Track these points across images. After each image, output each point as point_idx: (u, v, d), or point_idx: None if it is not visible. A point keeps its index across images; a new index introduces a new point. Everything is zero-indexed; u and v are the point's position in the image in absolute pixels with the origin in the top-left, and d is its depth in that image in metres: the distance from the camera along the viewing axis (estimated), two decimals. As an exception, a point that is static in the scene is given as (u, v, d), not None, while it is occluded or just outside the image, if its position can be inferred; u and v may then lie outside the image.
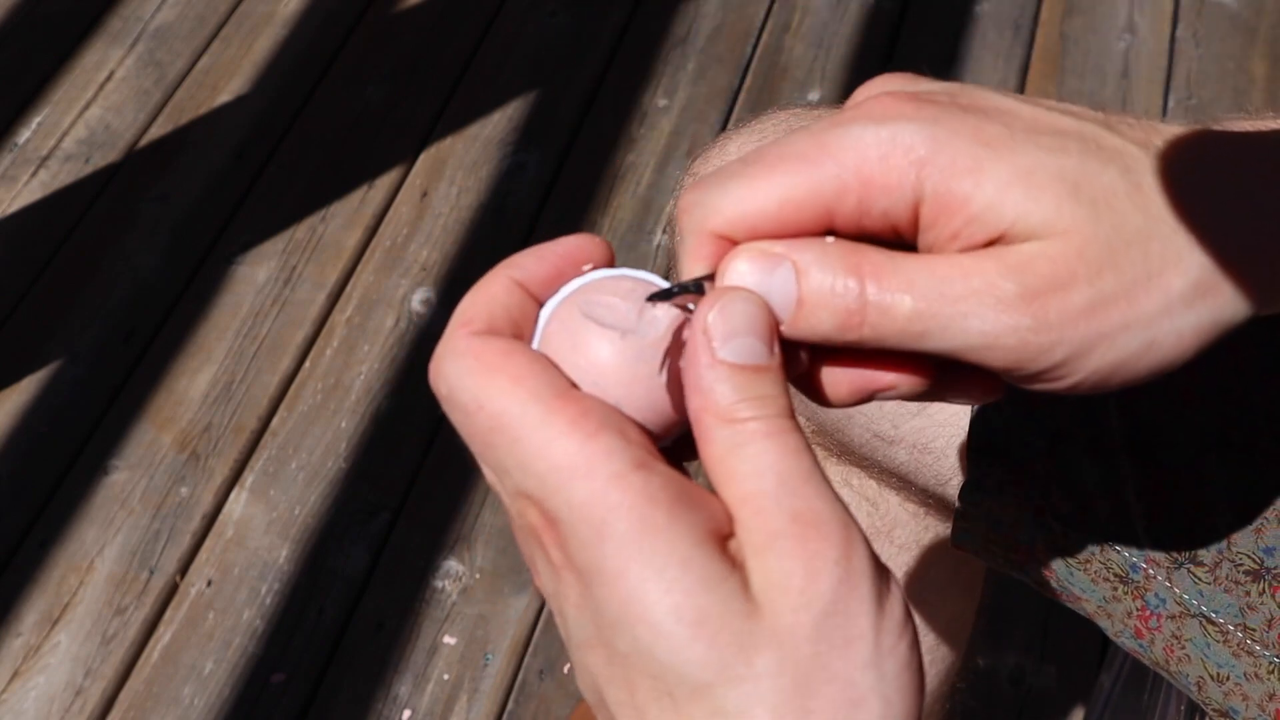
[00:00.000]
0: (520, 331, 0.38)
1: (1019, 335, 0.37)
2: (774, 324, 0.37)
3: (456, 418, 0.37)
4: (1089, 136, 0.39)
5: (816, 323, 0.38)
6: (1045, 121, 0.38)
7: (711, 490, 0.37)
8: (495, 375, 0.36)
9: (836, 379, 0.40)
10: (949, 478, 0.68)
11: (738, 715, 0.33)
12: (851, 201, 0.38)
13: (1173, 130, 0.40)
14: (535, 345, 0.38)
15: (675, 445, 0.40)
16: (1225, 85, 1.78)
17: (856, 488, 0.82)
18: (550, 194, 1.69)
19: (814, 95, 1.78)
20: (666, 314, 0.38)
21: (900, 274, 0.37)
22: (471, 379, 0.36)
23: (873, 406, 0.69)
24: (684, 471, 0.38)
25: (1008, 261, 0.37)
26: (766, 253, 0.38)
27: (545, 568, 0.37)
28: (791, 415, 0.36)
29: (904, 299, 0.37)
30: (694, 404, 0.36)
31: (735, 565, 0.35)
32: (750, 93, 1.79)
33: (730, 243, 0.39)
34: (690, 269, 0.39)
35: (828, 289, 0.37)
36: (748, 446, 0.35)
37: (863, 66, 1.81)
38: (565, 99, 1.79)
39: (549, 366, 0.37)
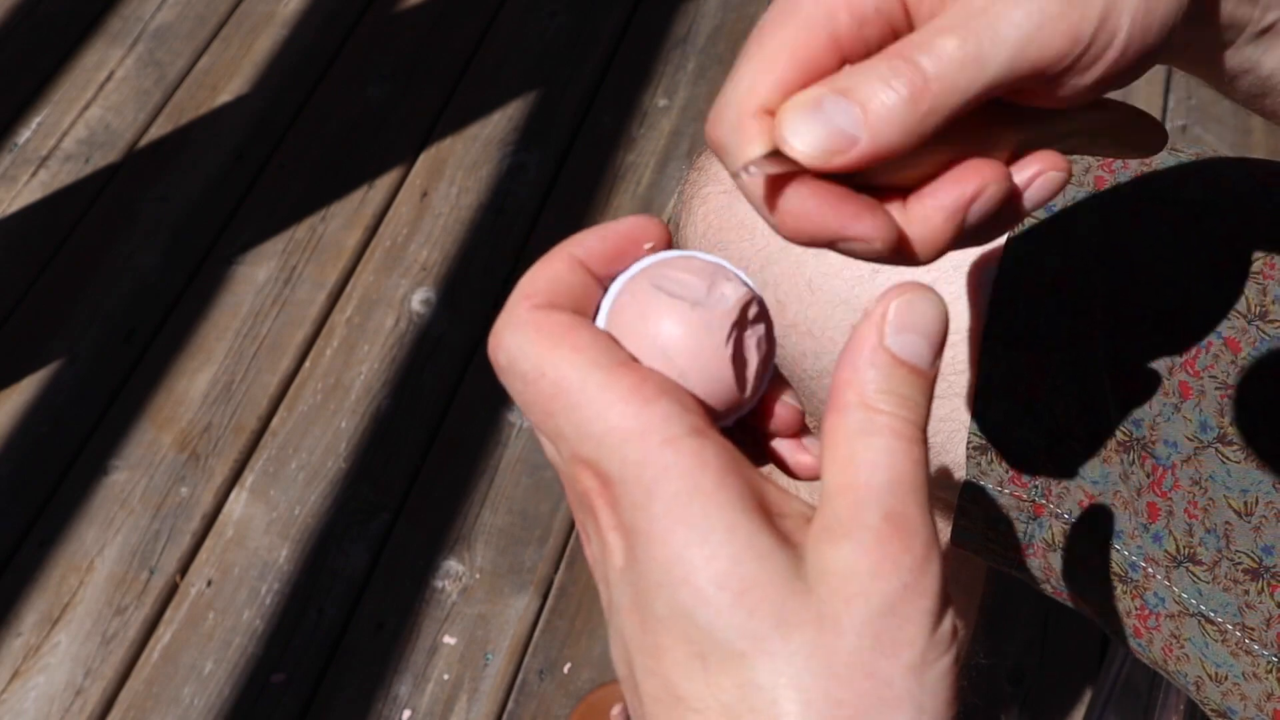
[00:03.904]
0: (581, 307, 0.39)
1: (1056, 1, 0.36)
2: (945, 335, 0.37)
3: (515, 386, 0.37)
4: None
5: (889, 116, 0.36)
6: None
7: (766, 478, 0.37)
8: (558, 345, 0.36)
9: (929, 213, 0.39)
10: (949, 475, 0.68)
11: (766, 689, 0.33)
12: (844, 16, 0.38)
13: None
14: (603, 318, 0.39)
15: (736, 438, 0.40)
16: (1225, 85, 1.79)
17: None
18: (550, 194, 1.69)
19: (814, 95, 1.78)
20: (735, 290, 0.38)
21: (924, 32, 0.37)
22: (534, 348, 0.37)
23: None
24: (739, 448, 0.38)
25: None
26: (805, 97, 0.37)
27: (595, 534, 0.37)
28: (924, 428, 0.36)
29: (945, 40, 0.36)
30: (842, 376, 0.36)
31: (786, 542, 0.35)
32: (750, 93, 1.79)
33: (771, 114, 0.38)
34: (746, 151, 0.38)
35: (876, 78, 0.36)
36: (875, 438, 0.35)
37: (863, 66, 1.81)
38: (565, 99, 1.79)
39: (609, 339, 0.37)
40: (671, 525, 0.34)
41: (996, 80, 0.37)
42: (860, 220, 0.37)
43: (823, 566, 0.34)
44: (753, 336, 0.39)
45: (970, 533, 0.67)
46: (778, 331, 0.70)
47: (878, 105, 0.36)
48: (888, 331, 0.36)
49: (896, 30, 0.38)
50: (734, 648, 0.33)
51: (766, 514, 0.35)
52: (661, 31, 1.85)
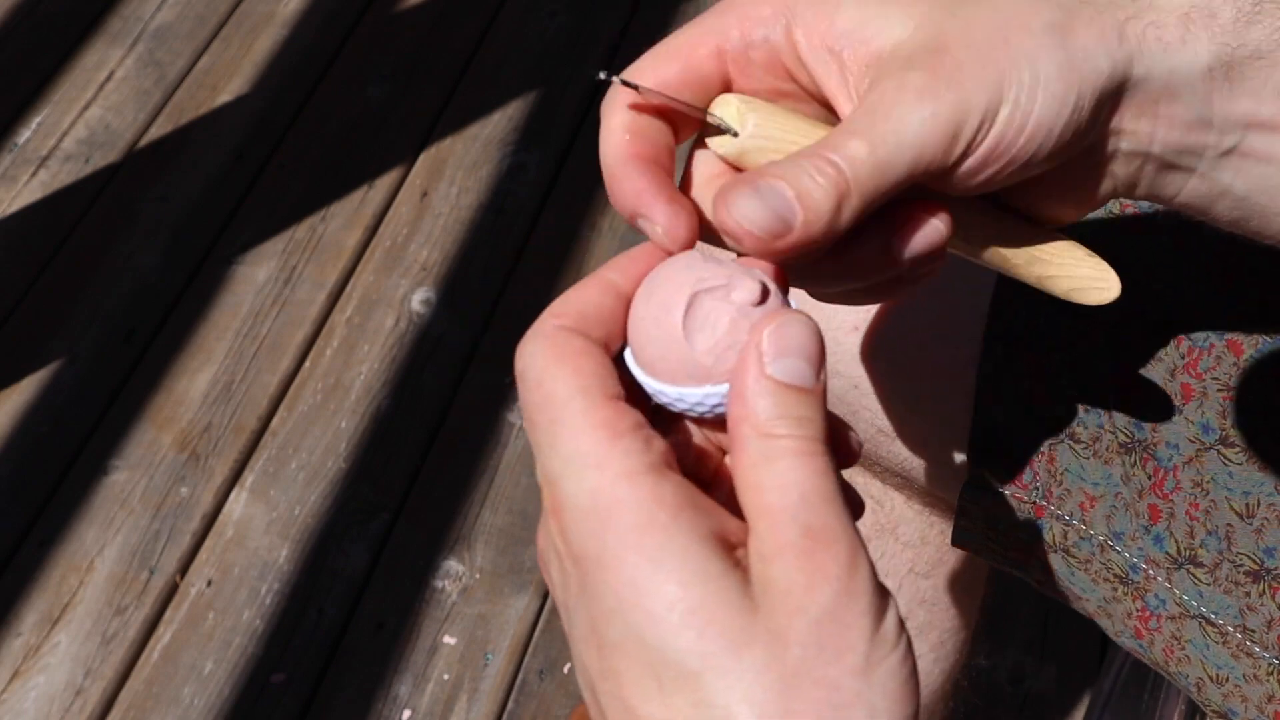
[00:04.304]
0: (608, 331, 0.41)
1: (942, 101, 0.41)
2: (823, 350, 0.39)
3: (521, 390, 0.40)
4: None
5: (818, 206, 0.41)
6: None
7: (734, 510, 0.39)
8: (562, 363, 0.39)
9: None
10: (950, 477, 0.68)
11: (720, 706, 0.34)
12: (734, 38, 0.44)
13: None
14: (632, 316, 0.41)
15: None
16: (1225, 85, 1.79)
17: (861, 486, 0.82)
18: (550, 194, 1.69)
19: (814, 95, 1.78)
20: (702, 270, 0.40)
21: (838, 132, 0.42)
22: (542, 360, 0.40)
23: (879, 402, 0.69)
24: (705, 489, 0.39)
25: (895, 65, 0.42)
26: (744, 180, 0.41)
27: (554, 558, 0.39)
28: (825, 439, 0.38)
29: (855, 143, 0.41)
30: (734, 412, 0.38)
31: (738, 567, 0.36)
32: (750, 93, 1.79)
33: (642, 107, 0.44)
34: (609, 138, 0.43)
35: (808, 177, 0.41)
36: (778, 462, 0.37)
37: (863, 66, 1.81)
38: (565, 99, 1.79)
39: (611, 374, 0.39)
40: (624, 553, 0.36)
41: (902, 180, 0.41)
42: (655, 205, 0.42)
43: (764, 586, 0.35)
44: (722, 312, 0.40)
45: (971, 533, 0.67)
46: None
47: (806, 192, 0.41)
48: (766, 360, 0.38)
49: (781, 62, 0.44)
50: (687, 667, 0.35)
51: (724, 543, 0.36)
52: (661, 31, 1.85)
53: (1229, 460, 0.59)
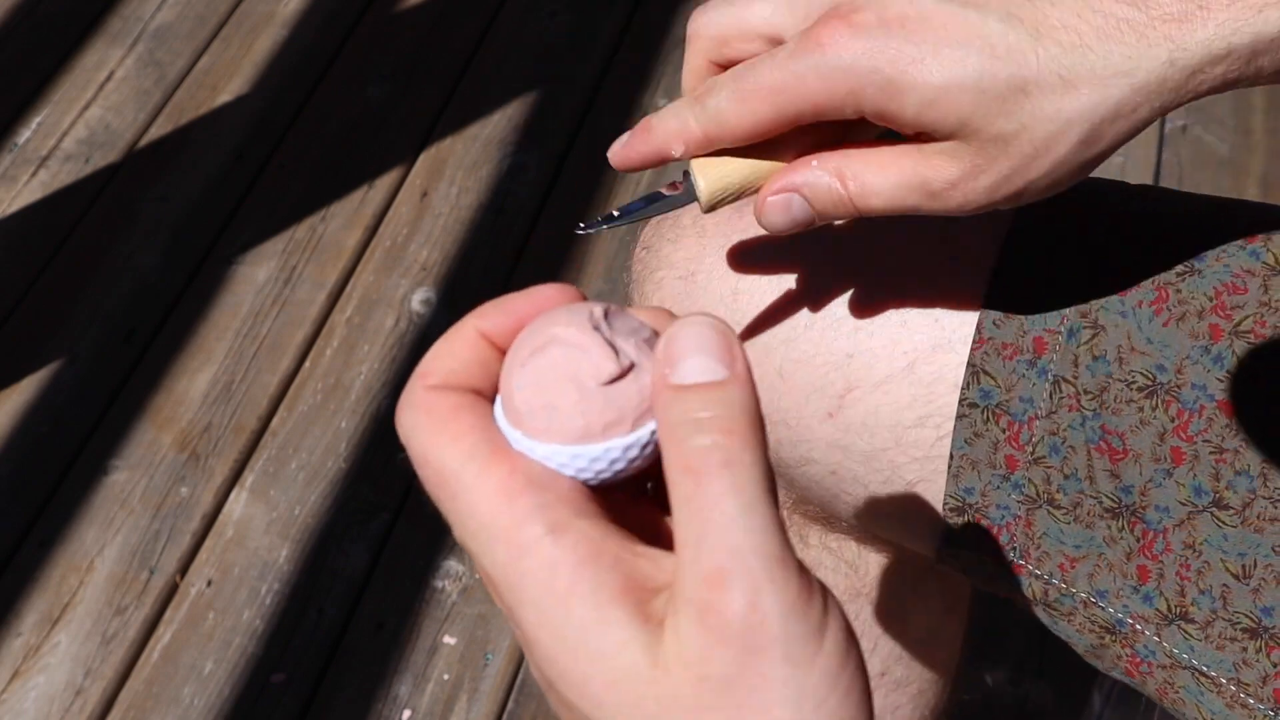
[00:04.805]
0: (480, 383, 0.38)
1: (947, 207, 0.52)
2: (730, 342, 0.36)
3: (413, 464, 0.38)
4: (987, 38, 0.48)
5: (827, 218, 0.54)
6: (953, 29, 0.48)
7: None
8: (440, 431, 0.37)
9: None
10: (930, 542, 0.67)
11: None
12: (808, 118, 0.51)
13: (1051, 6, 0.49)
14: (503, 375, 0.38)
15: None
16: (1225, 85, 1.78)
17: (835, 550, 0.80)
18: (550, 194, 1.69)
19: (814, 95, 1.78)
20: (630, 335, 0.37)
21: (870, 173, 0.52)
22: (421, 432, 0.37)
23: (859, 487, 0.68)
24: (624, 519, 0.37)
25: (933, 163, 0.51)
26: (781, 188, 0.53)
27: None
28: (751, 437, 0.35)
29: (874, 201, 0.52)
30: (659, 433, 0.36)
31: (649, 623, 0.34)
32: (750, 93, 1.79)
33: (710, 141, 0.53)
34: (675, 133, 0.54)
35: (829, 202, 0.53)
36: (685, 484, 0.34)
37: (863, 66, 1.81)
38: (565, 99, 1.79)
39: (488, 425, 0.37)
40: (536, 631, 0.35)
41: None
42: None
43: (673, 648, 0.34)
44: (586, 375, 0.36)
45: (953, 570, 0.66)
46: None
47: (824, 214, 0.53)
48: (667, 372, 0.35)
49: (847, 121, 0.52)
50: None
51: (635, 594, 0.34)
52: (661, 31, 1.85)
53: (1223, 523, 0.58)
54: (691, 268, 0.70)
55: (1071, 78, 0.48)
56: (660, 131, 0.54)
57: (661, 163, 0.55)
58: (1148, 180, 1.73)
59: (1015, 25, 0.48)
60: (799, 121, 0.51)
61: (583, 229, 0.56)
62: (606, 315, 0.37)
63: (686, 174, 0.55)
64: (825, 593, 0.34)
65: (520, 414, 0.37)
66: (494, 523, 0.35)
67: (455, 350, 0.38)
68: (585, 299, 0.39)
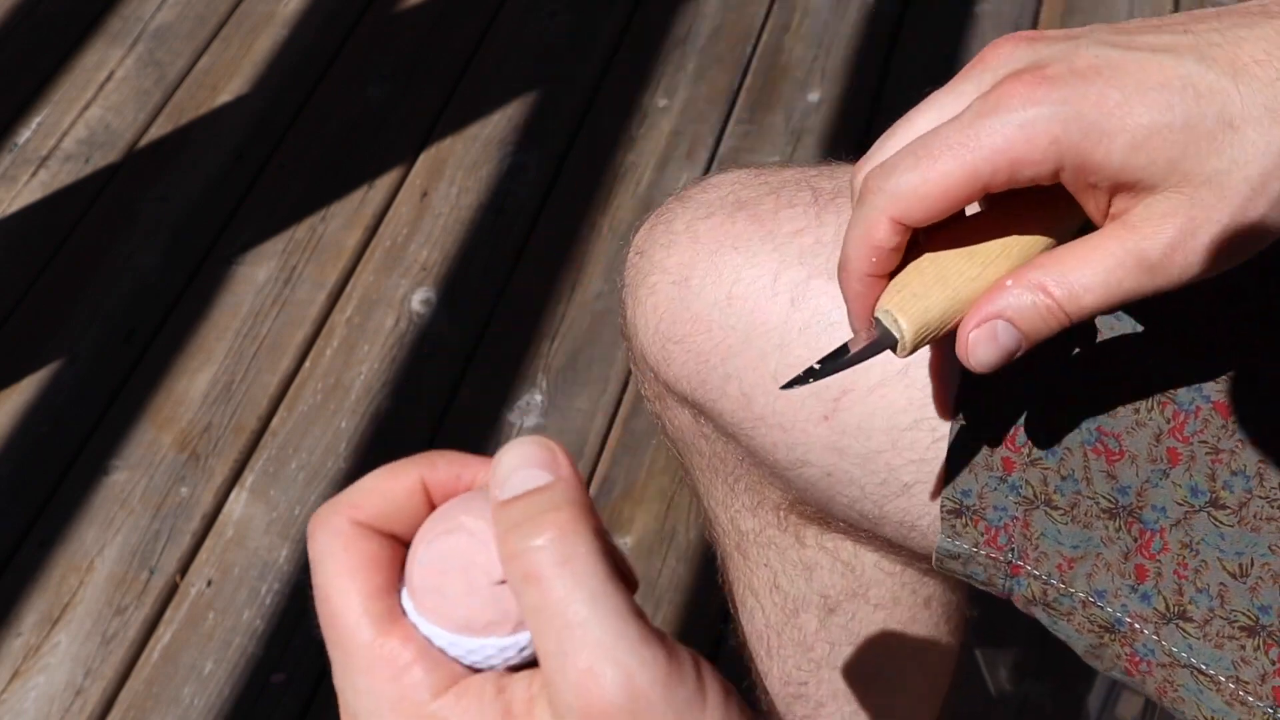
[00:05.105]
0: (404, 533, 0.39)
1: (1170, 283, 0.49)
2: (552, 454, 0.37)
3: (312, 578, 0.38)
4: (1188, 81, 0.47)
5: (1039, 337, 0.50)
6: (1151, 72, 0.47)
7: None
8: (348, 579, 0.37)
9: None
10: (927, 542, 0.67)
11: None
12: (1002, 177, 0.48)
13: (1249, 28, 0.48)
14: (413, 542, 0.39)
15: None
16: (1225, 85, 1.78)
17: (831, 550, 0.80)
18: (550, 194, 1.69)
19: (814, 95, 1.78)
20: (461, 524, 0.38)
21: (1072, 273, 0.49)
22: (329, 566, 0.37)
23: (855, 489, 0.68)
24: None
25: (1143, 231, 0.48)
26: (981, 317, 0.50)
27: None
28: (582, 529, 0.35)
29: (1087, 298, 0.49)
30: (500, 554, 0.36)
31: None
32: (750, 93, 1.79)
33: (900, 225, 0.49)
34: (868, 236, 0.50)
35: (1038, 320, 0.50)
36: (529, 593, 0.35)
37: (863, 66, 1.81)
38: (565, 99, 1.79)
39: (393, 590, 0.37)
40: None
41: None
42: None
43: None
44: (462, 559, 0.37)
45: (951, 571, 0.66)
46: (747, 425, 0.69)
47: (1033, 331, 0.50)
48: (496, 493, 0.36)
49: (1039, 184, 0.49)
50: None
51: None
52: (661, 31, 1.85)
53: (1220, 522, 0.58)
54: (685, 273, 0.69)
55: (1277, 109, 0.47)
56: (851, 256, 0.51)
57: (874, 289, 0.52)
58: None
59: (1211, 65, 0.47)
60: (992, 186, 0.48)
61: (786, 386, 0.53)
62: None
63: (877, 319, 0.51)
64: (695, 657, 0.35)
65: (415, 588, 0.37)
66: (383, 691, 0.36)
67: (393, 494, 0.39)
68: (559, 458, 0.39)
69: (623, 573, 0.36)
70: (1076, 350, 0.61)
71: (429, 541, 0.38)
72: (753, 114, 1.77)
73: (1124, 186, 0.48)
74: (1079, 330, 0.61)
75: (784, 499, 0.77)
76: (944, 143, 0.48)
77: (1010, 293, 0.49)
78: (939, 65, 1.81)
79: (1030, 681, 1.31)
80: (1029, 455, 0.62)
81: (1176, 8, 1.87)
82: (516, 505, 0.36)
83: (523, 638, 0.37)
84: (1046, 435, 0.61)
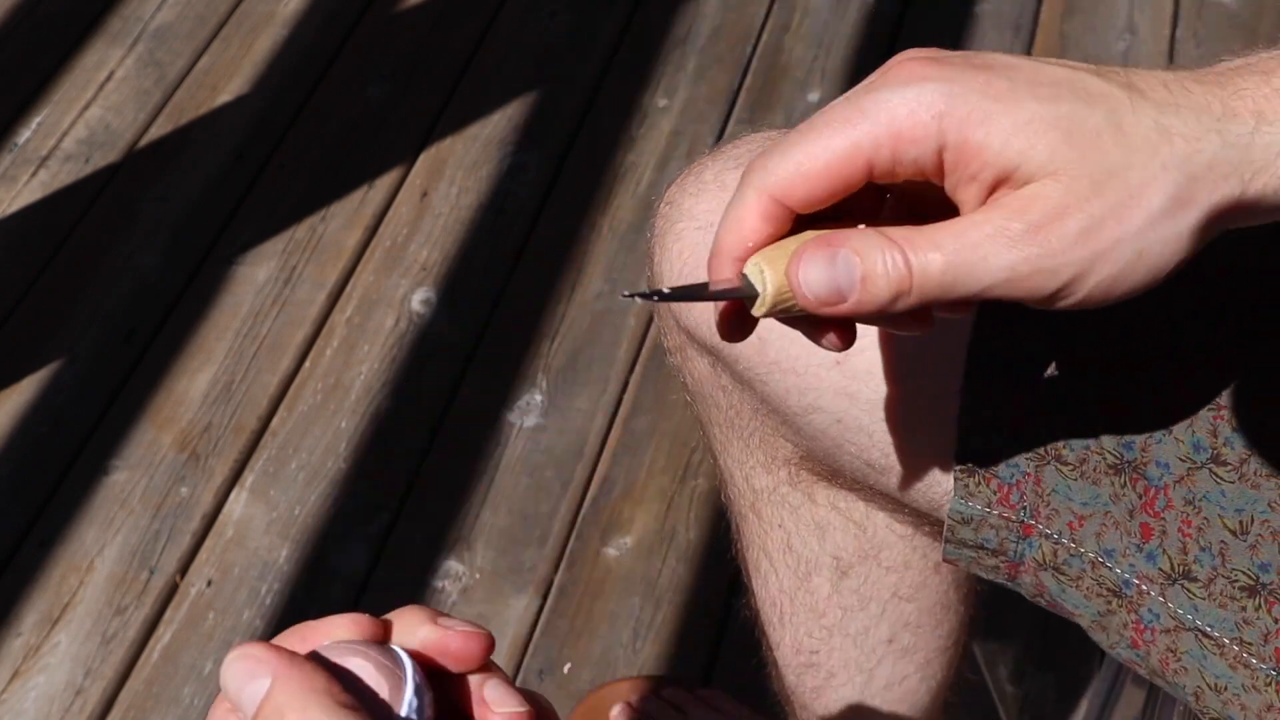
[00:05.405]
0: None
1: (1031, 263, 0.45)
2: (254, 661, 0.40)
3: None
4: (1079, 85, 0.46)
5: (877, 292, 0.46)
6: (1044, 73, 0.46)
7: None
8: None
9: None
10: (940, 502, 0.68)
11: None
12: (886, 154, 0.46)
13: (1149, 72, 0.48)
14: None
15: None
16: (1225, 85, 1.78)
17: (844, 510, 0.81)
18: (550, 194, 1.69)
19: (814, 95, 1.78)
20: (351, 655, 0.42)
21: (926, 237, 0.46)
22: None
23: (864, 436, 0.69)
24: None
25: (1012, 206, 0.45)
26: (826, 248, 0.46)
27: None
28: (327, 698, 0.39)
29: (935, 256, 0.45)
30: None
31: None
32: (750, 93, 1.79)
33: (780, 205, 0.47)
34: (741, 217, 0.47)
35: (880, 264, 0.46)
36: None
37: (863, 66, 1.81)
38: (565, 99, 1.79)
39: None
40: None
41: (960, 300, 0.46)
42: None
43: None
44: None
45: (960, 552, 0.66)
46: (761, 370, 0.71)
47: (872, 279, 0.46)
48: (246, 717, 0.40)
49: (926, 174, 0.47)
50: None
51: None
52: (661, 31, 1.85)
53: (1221, 479, 0.59)
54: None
55: (1167, 128, 0.46)
56: (722, 238, 0.48)
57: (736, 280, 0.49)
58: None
59: (1108, 79, 0.47)
60: (876, 164, 0.46)
61: (630, 295, 0.50)
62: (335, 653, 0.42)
63: (745, 273, 0.48)
64: None
65: None
66: None
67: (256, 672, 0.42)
68: (374, 621, 0.44)
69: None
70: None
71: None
72: (753, 114, 1.77)
73: (1004, 178, 0.46)
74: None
75: (795, 453, 0.78)
76: (826, 118, 0.46)
77: (863, 234, 0.46)
78: (939, 65, 1.81)
79: (1030, 682, 1.31)
80: (1039, 410, 0.62)
81: (1176, 7, 1.87)
82: None
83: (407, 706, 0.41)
84: (1056, 391, 0.62)
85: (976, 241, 0.45)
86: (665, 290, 0.50)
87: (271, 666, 0.40)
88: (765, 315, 0.48)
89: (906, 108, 0.45)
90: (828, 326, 0.50)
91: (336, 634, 0.43)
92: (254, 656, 0.40)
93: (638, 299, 0.49)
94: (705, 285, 0.49)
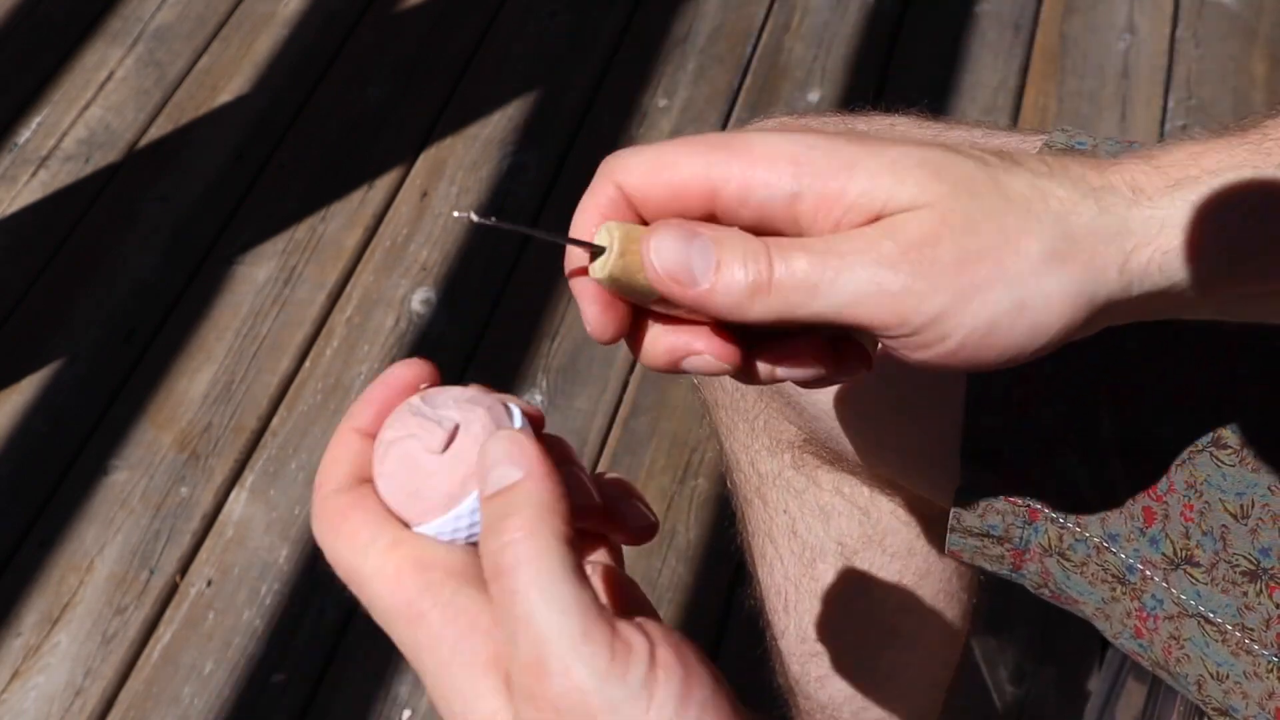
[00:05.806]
0: (369, 475, 0.44)
1: (900, 281, 0.42)
2: (526, 448, 0.41)
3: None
4: (950, 147, 0.45)
5: (732, 282, 0.43)
6: (913, 135, 0.46)
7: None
8: (336, 534, 0.42)
9: (657, 339, 0.46)
10: (943, 484, 0.68)
11: None
12: (734, 188, 0.44)
13: (1026, 153, 0.47)
14: (375, 469, 0.44)
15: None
16: (1225, 85, 1.79)
17: (848, 495, 0.82)
18: (550, 194, 1.69)
19: (814, 95, 1.78)
20: (449, 404, 0.43)
21: (793, 241, 0.44)
22: (324, 538, 0.43)
23: (867, 418, 0.69)
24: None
25: (885, 227, 0.43)
26: (686, 225, 0.43)
27: None
28: (543, 527, 0.39)
29: (799, 256, 0.43)
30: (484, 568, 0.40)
31: (511, 700, 0.39)
32: (750, 93, 1.79)
33: (625, 200, 0.45)
34: (584, 207, 0.45)
35: (740, 253, 0.43)
36: (493, 586, 0.39)
37: (863, 66, 1.81)
38: (565, 99, 1.79)
39: (376, 518, 0.42)
40: (434, 694, 0.40)
41: (823, 316, 0.43)
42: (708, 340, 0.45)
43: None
44: (418, 457, 0.43)
45: (964, 541, 0.67)
46: None
47: (728, 266, 0.43)
48: (481, 485, 0.41)
49: (771, 224, 0.44)
50: None
51: (503, 663, 0.39)
52: (661, 31, 1.85)
53: (1222, 462, 0.60)
54: None
55: (1043, 189, 0.44)
56: (576, 213, 0.46)
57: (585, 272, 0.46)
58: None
59: (983, 150, 0.46)
60: (722, 192, 0.44)
61: (462, 213, 0.45)
62: (424, 399, 0.43)
63: (600, 232, 0.45)
64: (650, 647, 0.38)
65: (397, 511, 0.43)
66: (391, 605, 0.41)
67: (338, 455, 0.44)
68: (430, 365, 0.45)
69: (615, 564, 0.41)
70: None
71: (379, 475, 0.43)
72: (753, 114, 1.77)
73: (872, 219, 0.44)
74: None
75: (799, 436, 0.78)
76: (695, 138, 0.45)
77: (728, 228, 0.44)
78: (939, 65, 1.81)
79: (1030, 682, 1.31)
80: (1046, 394, 0.62)
81: (1176, 7, 1.87)
82: (492, 504, 0.40)
83: (461, 507, 0.42)
84: (1062, 374, 0.62)
85: (845, 251, 0.43)
86: (495, 220, 0.46)
87: (528, 466, 0.40)
88: (610, 283, 0.44)
89: (764, 150, 0.44)
90: (690, 323, 0.46)
91: (410, 380, 0.45)
92: (520, 447, 0.41)
93: (472, 217, 0.45)
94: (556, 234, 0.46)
